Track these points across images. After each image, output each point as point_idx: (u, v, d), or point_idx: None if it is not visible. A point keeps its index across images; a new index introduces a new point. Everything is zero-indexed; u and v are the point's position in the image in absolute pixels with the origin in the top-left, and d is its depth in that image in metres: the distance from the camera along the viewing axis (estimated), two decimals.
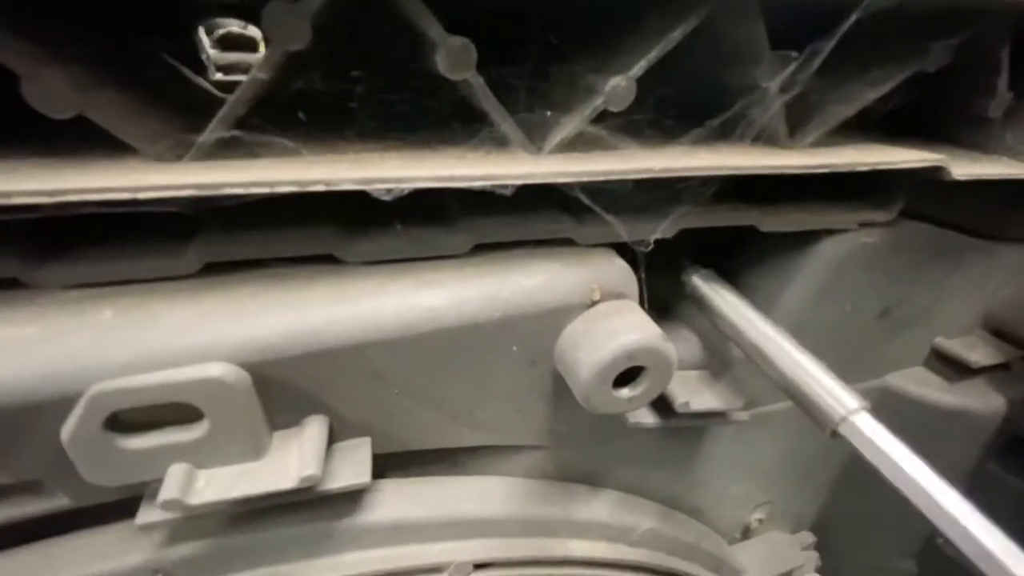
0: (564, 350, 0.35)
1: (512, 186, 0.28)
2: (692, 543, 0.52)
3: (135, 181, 0.24)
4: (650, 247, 0.35)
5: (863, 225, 0.44)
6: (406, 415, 0.35)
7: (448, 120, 0.31)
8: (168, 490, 0.27)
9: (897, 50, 0.36)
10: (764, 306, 0.48)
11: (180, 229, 0.31)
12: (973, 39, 0.36)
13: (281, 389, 0.30)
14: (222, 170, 0.26)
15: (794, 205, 0.41)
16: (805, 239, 0.44)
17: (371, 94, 0.29)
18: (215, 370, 0.27)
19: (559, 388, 0.37)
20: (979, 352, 0.56)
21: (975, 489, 0.61)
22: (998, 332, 0.59)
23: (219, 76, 0.45)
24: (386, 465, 0.39)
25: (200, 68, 0.44)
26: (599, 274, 0.35)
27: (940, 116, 0.45)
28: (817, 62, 0.30)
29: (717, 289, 0.44)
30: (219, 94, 0.40)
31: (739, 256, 0.48)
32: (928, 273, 0.51)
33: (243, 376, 0.27)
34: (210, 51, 0.43)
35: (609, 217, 0.33)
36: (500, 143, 0.29)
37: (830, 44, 0.29)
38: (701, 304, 0.45)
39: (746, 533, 0.62)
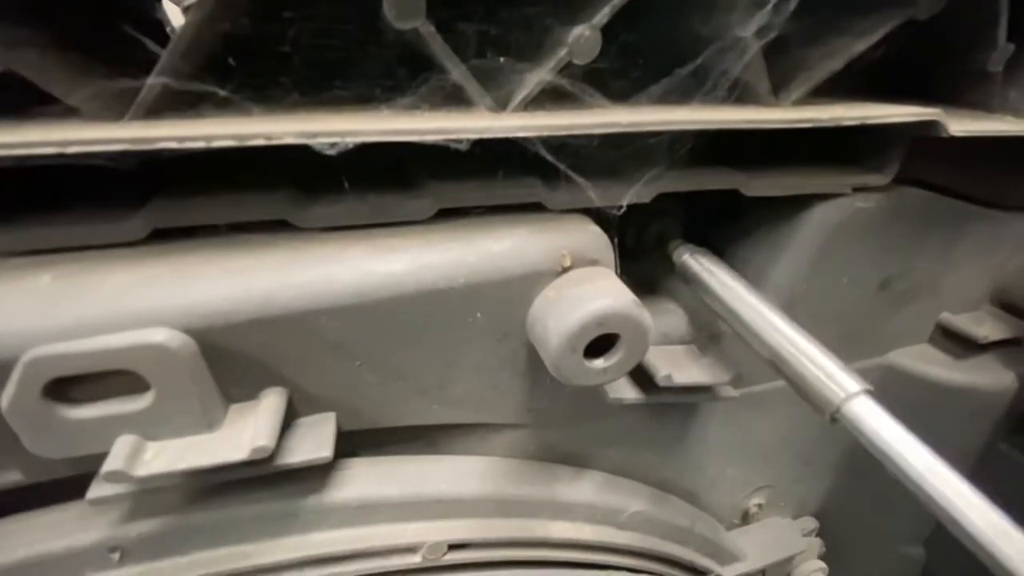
0: (535, 319, 0.33)
1: (467, 140, 0.27)
2: (685, 527, 0.50)
3: (64, 136, 0.23)
4: (623, 210, 0.33)
5: (857, 190, 0.42)
6: (372, 389, 0.34)
7: (394, 67, 0.29)
8: (113, 461, 0.26)
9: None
10: (756, 278, 0.46)
11: (131, 196, 0.30)
12: None
13: (233, 359, 0.29)
14: (159, 126, 0.25)
15: (782, 168, 0.39)
16: (796, 205, 0.42)
17: (307, 38, 0.28)
18: (157, 336, 0.26)
19: (535, 362, 0.36)
20: (987, 327, 0.54)
21: (985, 469, 0.58)
22: (1007, 306, 0.56)
23: None
24: (359, 444, 0.38)
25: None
26: (571, 240, 0.33)
27: (938, 72, 0.43)
28: (793, 2, 0.28)
29: (708, 266, 0.42)
30: None
31: (730, 227, 0.46)
32: (930, 243, 0.48)
33: (188, 343, 0.26)
34: (175, 21, 0.42)
35: (577, 177, 0.31)
36: (454, 95, 0.28)
37: None
38: (692, 282, 0.43)
39: (745, 518, 0.60)
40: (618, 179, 0.34)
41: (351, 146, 0.25)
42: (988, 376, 0.54)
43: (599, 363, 0.33)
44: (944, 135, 0.36)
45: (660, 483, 0.51)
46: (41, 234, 0.28)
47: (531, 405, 0.40)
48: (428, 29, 0.26)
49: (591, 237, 0.34)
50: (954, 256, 0.50)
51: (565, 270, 0.33)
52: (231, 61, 0.28)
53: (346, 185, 0.29)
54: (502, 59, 0.29)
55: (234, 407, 0.31)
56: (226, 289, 0.27)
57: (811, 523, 0.63)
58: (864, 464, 0.62)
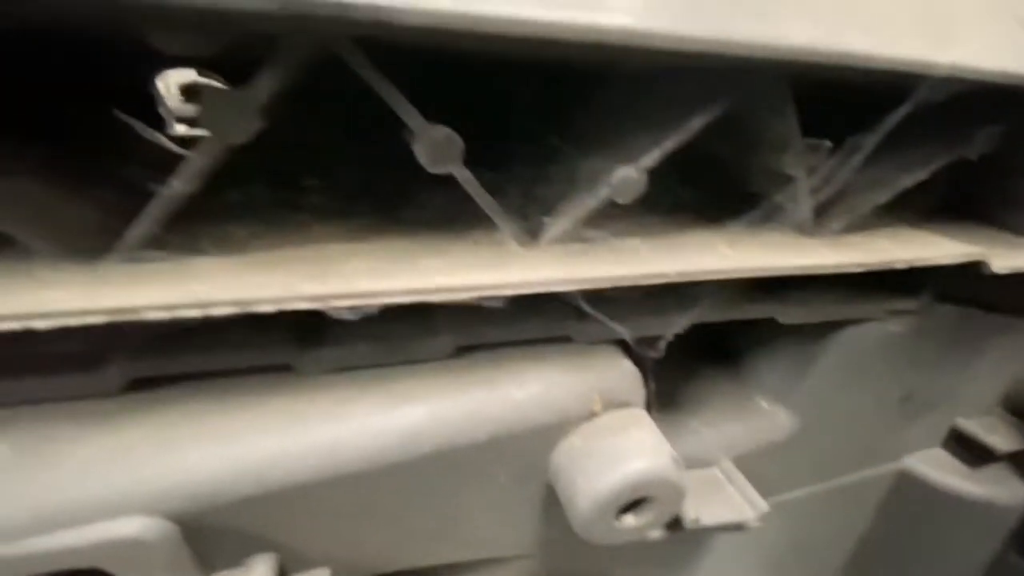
0: (560, 468, 0.30)
1: (503, 298, 0.24)
2: None
3: (29, 305, 0.19)
4: (660, 354, 0.31)
5: (891, 314, 0.40)
6: (374, 543, 0.30)
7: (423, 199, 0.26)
8: None
9: (938, 135, 0.32)
10: (778, 392, 0.43)
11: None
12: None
13: (219, 536, 0.25)
14: (145, 284, 0.21)
15: (817, 294, 0.37)
16: (827, 327, 0.39)
17: (327, 203, 0.25)
18: (131, 528, 0.21)
19: (552, 497, 0.33)
20: (1000, 435, 0.52)
21: None
22: (1019, 412, 0.55)
23: (181, 129, 0.40)
24: None
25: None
26: (601, 379, 0.31)
27: (980, 196, 0.42)
28: (858, 158, 0.26)
29: None
30: (179, 150, 0.35)
31: (754, 342, 0.44)
32: (953, 357, 0.47)
33: (168, 531, 0.22)
34: (169, 103, 0.38)
35: (615, 325, 0.28)
36: (486, 231, 0.25)
37: (874, 139, 0.26)
38: None
39: None
40: (655, 317, 0.31)
41: (375, 311, 0.22)
42: (1002, 489, 0.52)
43: (630, 522, 0.30)
44: (987, 273, 0.35)
45: None
46: None
47: (545, 536, 0.36)
48: (464, 174, 0.23)
49: (623, 375, 0.31)
50: (976, 367, 0.49)
51: (594, 415, 0.30)
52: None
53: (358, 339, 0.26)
54: (545, 219, 0.26)
55: None
56: (214, 463, 0.23)
57: None
58: (871, 568, 0.60)
